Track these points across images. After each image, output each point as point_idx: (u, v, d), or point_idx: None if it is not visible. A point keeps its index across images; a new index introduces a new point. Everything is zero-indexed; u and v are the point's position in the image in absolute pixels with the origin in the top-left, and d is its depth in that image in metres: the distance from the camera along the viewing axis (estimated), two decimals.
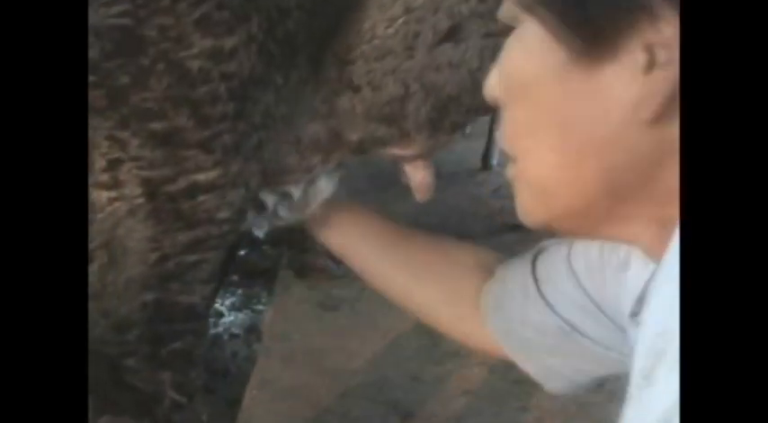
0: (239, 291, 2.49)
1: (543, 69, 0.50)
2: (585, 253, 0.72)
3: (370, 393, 1.99)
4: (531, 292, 0.76)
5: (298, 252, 2.43)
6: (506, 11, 0.54)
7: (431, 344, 2.25)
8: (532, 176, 0.53)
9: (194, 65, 0.69)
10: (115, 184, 0.73)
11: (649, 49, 0.46)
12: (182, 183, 0.74)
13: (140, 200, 0.74)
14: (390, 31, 0.77)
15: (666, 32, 0.45)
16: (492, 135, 3.98)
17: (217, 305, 2.26)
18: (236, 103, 0.72)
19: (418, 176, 0.92)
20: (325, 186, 0.87)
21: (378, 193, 2.08)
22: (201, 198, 0.75)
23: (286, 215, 0.88)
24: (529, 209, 0.55)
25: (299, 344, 2.19)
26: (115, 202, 0.73)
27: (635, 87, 0.47)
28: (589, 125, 0.49)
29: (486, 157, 3.99)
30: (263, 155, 0.78)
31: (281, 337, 2.24)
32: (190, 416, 0.85)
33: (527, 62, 0.51)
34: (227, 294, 2.44)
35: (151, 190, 0.73)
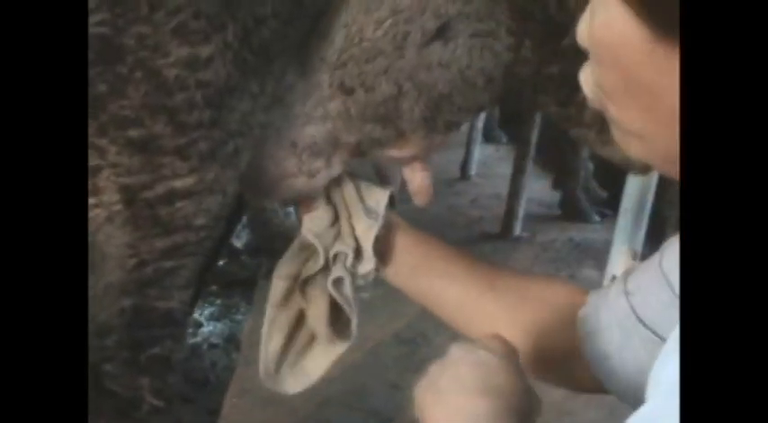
0: (218, 301, 2.49)
1: (628, 39, 0.47)
2: (677, 251, 0.71)
3: (349, 401, 1.99)
4: (625, 311, 0.75)
5: (276, 261, 2.42)
6: None
7: (409, 352, 2.26)
8: (626, 128, 0.51)
9: (171, 73, 0.70)
10: (94, 191, 0.73)
11: None
12: (159, 189, 0.75)
13: (118, 206, 0.75)
14: (379, 32, 0.78)
15: None
16: (470, 145, 4.00)
17: (196, 315, 2.26)
18: (212, 111, 0.73)
19: (417, 179, 0.93)
20: (371, 222, 0.87)
21: None
22: (179, 204, 0.76)
23: (365, 270, 0.88)
24: (626, 146, 0.53)
25: None
26: (95, 209, 0.74)
27: None
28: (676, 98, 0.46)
29: (465, 166, 4.01)
30: (239, 162, 0.79)
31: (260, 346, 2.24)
32: (168, 421, 0.86)
33: (610, 30, 0.48)
34: (206, 305, 2.44)
35: (129, 196, 0.74)
